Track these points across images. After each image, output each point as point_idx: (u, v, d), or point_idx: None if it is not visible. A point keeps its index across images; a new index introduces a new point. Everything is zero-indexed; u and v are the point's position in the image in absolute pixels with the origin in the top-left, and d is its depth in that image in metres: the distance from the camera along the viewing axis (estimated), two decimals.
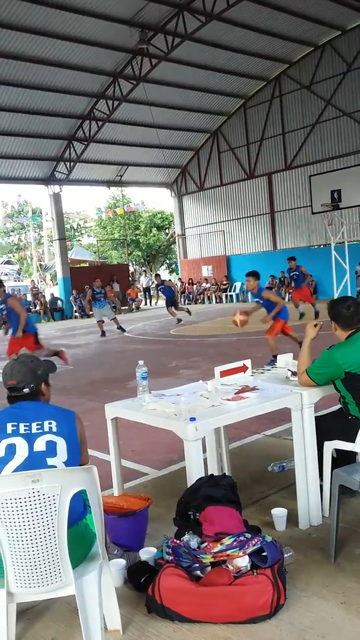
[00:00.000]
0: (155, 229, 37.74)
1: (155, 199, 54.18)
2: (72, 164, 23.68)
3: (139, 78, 19.84)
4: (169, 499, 3.68)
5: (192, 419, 2.95)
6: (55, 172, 24.21)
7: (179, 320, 16.89)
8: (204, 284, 27.07)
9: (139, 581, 2.73)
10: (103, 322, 15.53)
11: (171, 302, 17.45)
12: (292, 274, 15.04)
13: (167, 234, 38.41)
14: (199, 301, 26.63)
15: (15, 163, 23.04)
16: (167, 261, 40.73)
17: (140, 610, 2.59)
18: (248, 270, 8.48)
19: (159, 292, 19.79)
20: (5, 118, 20.49)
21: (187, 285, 27.77)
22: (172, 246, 36.57)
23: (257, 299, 8.51)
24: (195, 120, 25.01)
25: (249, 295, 14.87)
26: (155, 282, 20.42)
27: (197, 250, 28.51)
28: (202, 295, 26.79)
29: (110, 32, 17.84)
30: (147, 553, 2.91)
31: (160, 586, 2.47)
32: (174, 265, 38.23)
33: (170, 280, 20.58)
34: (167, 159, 25.49)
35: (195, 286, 27.40)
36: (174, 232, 31.61)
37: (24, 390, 2.58)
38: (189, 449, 2.93)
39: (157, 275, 20.37)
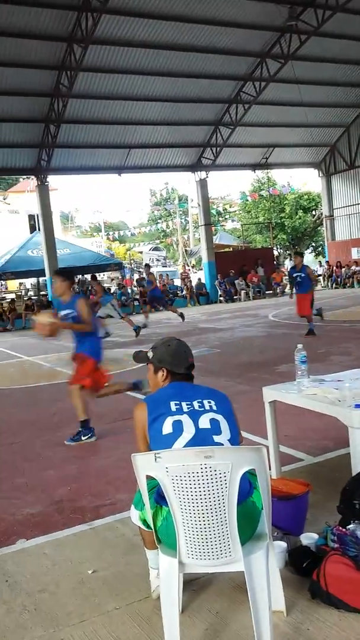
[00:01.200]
0: (301, 211, 36.75)
1: (301, 180, 52.78)
2: (218, 149, 23.84)
3: (287, 56, 19.35)
4: (326, 486, 3.61)
5: (358, 406, 2.85)
6: (201, 158, 24.55)
7: (182, 316, 15.83)
8: (353, 267, 25.92)
9: (301, 565, 2.72)
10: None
11: (153, 300, 15.91)
12: (295, 275, 11.28)
13: (314, 216, 37.24)
14: (348, 285, 25.58)
15: (163, 152, 23.73)
16: (313, 244, 39.55)
17: (303, 595, 2.58)
18: None
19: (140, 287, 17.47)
20: (154, 108, 21.15)
21: (334, 268, 26.79)
22: (319, 228, 35.39)
23: None
24: (346, 94, 23.86)
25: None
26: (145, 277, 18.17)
27: (347, 231, 27.33)
28: (351, 279, 25.69)
29: (258, 12, 17.59)
30: (308, 538, 2.88)
31: (325, 573, 2.43)
32: (320, 248, 37.04)
33: (152, 273, 17.74)
34: (315, 138, 24.68)
35: (343, 269, 26.33)
36: (322, 214, 30.59)
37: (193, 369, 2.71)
38: (355, 437, 2.83)
39: (147, 266, 18.92)
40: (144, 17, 16.68)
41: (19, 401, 7.95)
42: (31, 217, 33.28)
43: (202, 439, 2.37)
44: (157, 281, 26.71)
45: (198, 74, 19.96)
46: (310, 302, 11.23)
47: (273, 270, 27.18)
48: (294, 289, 11.90)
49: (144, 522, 2.46)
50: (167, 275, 29.81)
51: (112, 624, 2.54)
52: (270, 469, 3.63)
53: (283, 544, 2.85)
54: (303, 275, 11.17)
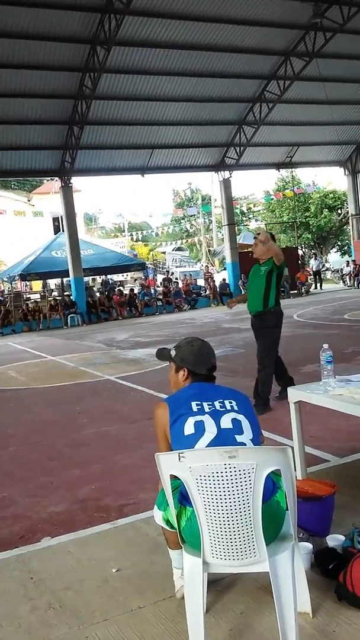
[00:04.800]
0: (326, 209, 36.38)
1: (326, 179, 52.29)
2: (242, 148, 23.74)
3: (312, 54, 19.17)
4: (353, 488, 3.56)
5: None
6: (225, 158, 24.47)
7: None
8: None
9: (328, 567, 2.68)
10: None
11: None
12: None
13: (340, 215, 36.84)
14: None
15: (186, 152, 23.72)
16: (339, 243, 39.12)
17: (329, 597, 2.54)
18: None
19: None
20: (177, 108, 21.16)
21: None
22: (345, 227, 35.00)
23: None
24: None
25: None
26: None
27: None
28: None
29: (282, 10, 17.48)
30: (334, 540, 2.84)
31: (353, 575, 2.40)
32: (346, 247, 36.62)
33: None
34: (341, 136, 24.40)
35: None
36: (347, 212, 30.24)
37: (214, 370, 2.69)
38: None
39: None
40: (166, 17, 16.70)
41: (44, 400, 8.02)
42: (55, 219, 33.60)
43: (224, 438, 2.36)
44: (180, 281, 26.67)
45: (221, 73, 19.91)
46: None
47: (298, 270, 26.95)
48: None
49: (167, 522, 2.45)
50: (191, 275, 29.80)
51: (136, 622, 2.54)
52: (295, 470, 3.61)
53: (309, 546, 2.82)
54: None
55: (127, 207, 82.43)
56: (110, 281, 30.55)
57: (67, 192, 22.18)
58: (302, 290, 25.44)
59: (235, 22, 17.46)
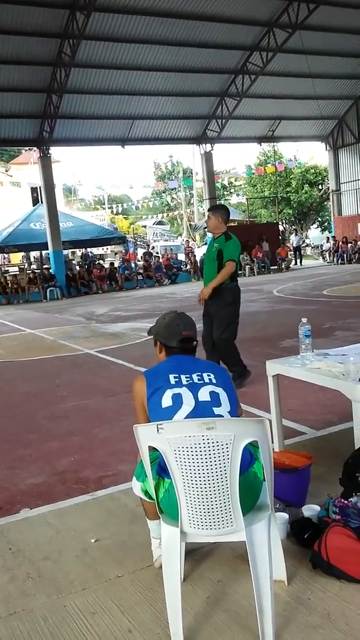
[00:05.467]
0: (307, 185, 36.31)
1: (308, 154, 52.10)
2: (223, 121, 23.48)
3: (296, 25, 18.91)
4: (330, 460, 3.61)
5: None
6: (206, 131, 24.20)
7: None
8: (359, 243, 25.72)
9: (303, 537, 2.73)
10: None
11: None
12: None
13: (320, 190, 36.83)
14: (354, 260, 25.42)
15: (167, 123, 23.40)
16: (320, 219, 39.19)
17: (304, 565, 2.60)
18: None
19: None
20: (158, 78, 20.79)
21: (340, 243, 26.58)
22: (326, 203, 35.05)
23: None
24: (355, 66, 23.40)
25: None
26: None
27: (353, 206, 27.07)
28: (357, 255, 25.52)
29: None
30: (310, 510, 2.89)
31: (327, 544, 2.44)
32: (326, 223, 36.71)
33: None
34: (323, 110, 24.25)
35: (349, 245, 26.13)
36: (328, 188, 30.25)
37: (194, 342, 2.66)
38: (358, 411, 2.82)
39: None
40: None
41: (23, 374, 7.97)
42: (34, 190, 33.03)
43: (202, 411, 2.37)
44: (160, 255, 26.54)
45: (203, 43, 19.54)
46: None
47: (278, 245, 26.97)
48: None
49: (146, 493, 2.47)
50: (171, 249, 29.64)
51: (114, 591, 2.57)
52: (273, 442, 3.65)
53: (285, 516, 2.86)
54: None
55: (108, 179, 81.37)
56: (90, 254, 30.28)
57: (46, 163, 21.77)
58: (283, 266, 25.52)
59: None
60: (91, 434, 4.92)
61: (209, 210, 6.14)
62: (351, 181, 26.91)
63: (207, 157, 25.12)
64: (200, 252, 28.52)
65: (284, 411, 4.06)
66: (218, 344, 5.85)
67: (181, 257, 28.50)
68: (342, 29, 20.44)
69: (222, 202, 40.29)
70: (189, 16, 17.99)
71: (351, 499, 2.59)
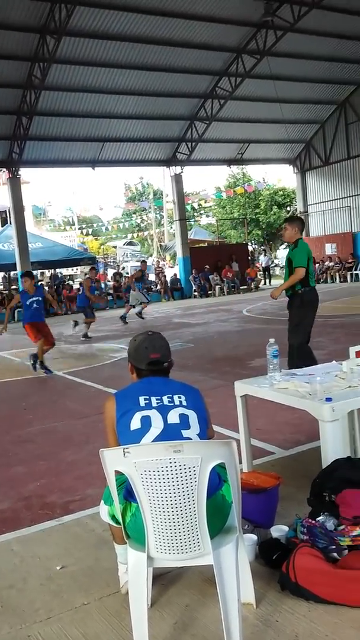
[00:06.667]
0: (275, 206, 36.98)
1: (276, 176, 53.07)
2: (193, 144, 23.79)
3: (263, 52, 19.37)
4: (298, 479, 3.62)
5: (329, 400, 2.86)
6: (176, 153, 24.47)
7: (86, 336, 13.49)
8: (327, 263, 26.20)
9: (271, 558, 2.72)
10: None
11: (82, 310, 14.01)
12: None
13: (289, 212, 37.50)
14: (322, 280, 25.82)
15: (138, 146, 23.58)
16: None
17: (272, 587, 2.58)
18: None
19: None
20: (129, 102, 21.00)
21: None
22: None
23: None
24: (322, 91, 24.03)
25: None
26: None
27: (321, 227, 27.59)
28: (324, 275, 25.97)
29: (235, 7, 17.59)
30: (278, 531, 2.88)
31: (295, 565, 2.44)
32: None
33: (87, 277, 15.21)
34: (291, 134, 24.80)
35: (317, 265, 26.56)
36: (296, 210, 30.81)
37: (164, 364, 2.63)
38: (325, 430, 2.84)
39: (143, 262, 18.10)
40: (118, 9, 16.49)
41: None
42: (2, 211, 32.79)
43: (170, 433, 2.34)
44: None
45: (174, 68, 19.86)
46: None
47: (248, 266, 27.28)
48: None
49: (113, 517, 2.43)
50: None
51: (80, 619, 2.51)
52: (241, 463, 3.64)
53: (253, 537, 2.85)
54: None
55: (78, 200, 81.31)
56: (60, 275, 30.10)
57: (15, 184, 21.67)
58: (252, 286, 25.80)
59: (187, 17, 17.42)
60: (58, 458, 4.84)
61: (285, 221, 6.50)
62: (318, 203, 27.46)
63: (177, 179, 25.38)
64: (171, 272, 28.71)
65: (253, 431, 4.08)
66: (289, 349, 6.00)
67: (152, 277, 28.57)
68: (309, 55, 21.02)
69: (192, 223, 40.74)
70: (159, 42, 18.27)
71: (319, 518, 2.60)
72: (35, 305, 8.96)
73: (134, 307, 16.03)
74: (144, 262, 19.11)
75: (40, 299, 9.05)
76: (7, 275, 26.65)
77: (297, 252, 5.96)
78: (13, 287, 23.82)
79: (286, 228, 6.21)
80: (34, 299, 8.94)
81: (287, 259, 6.14)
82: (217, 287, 25.17)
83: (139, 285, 16.07)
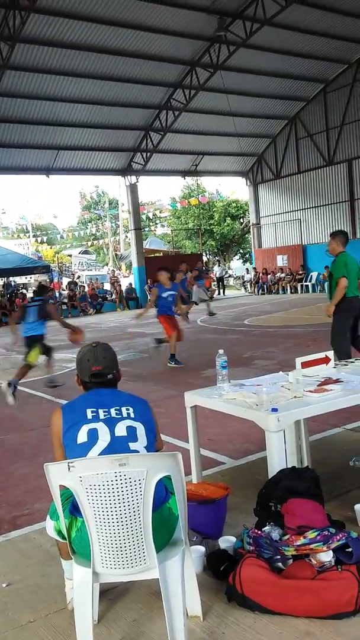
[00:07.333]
0: (229, 218, 37.46)
1: (230, 188, 53.84)
2: (148, 154, 23.90)
3: (217, 66, 19.70)
4: (247, 489, 3.66)
5: (274, 410, 2.91)
6: (132, 163, 24.52)
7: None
8: (278, 274, 26.67)
9: (219, 569, 2.73)
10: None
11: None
12: None
13: (242, 223, 38.06)
14: (274, 291, 26.28)
15: (93, 154, 23.53)
16: (241, 251, 40.40)
17: (219, 598, 2.60)
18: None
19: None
20: (84, 110, 20.95)
21: (261, 275, 27.45)
22: (247, 235, 36.17)
23: None
24: (273, 106, 24.57)
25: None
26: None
27: (272, 239, 28.09)
28: (276, 286, 26.43)
29: (189, 21, 17.82)
30: (226, 542, 2.90)
31: (241, 575, 2.46)
32: (247, 255, 37.86)
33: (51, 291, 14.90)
34: (243, 147, 25.21)
35: (269, 276, 27.04)
36: (249, 221, 31.29)
37: (108, 376, 2.61)
38: (271, 440, 2.89)
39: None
40: (73, 18, 16.47)
41: None
42: None
43: (117, 446, 2.33)
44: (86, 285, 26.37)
45: (128, 78, 19.94)
46: None
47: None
48: None
49: (59, 532, 2.40)
50: (97, 279, 29.51)
51: (25, 638, 2.46)
52: (191, 473, 3.66)
53: (201, 549, 2.86)
54: None
55: (32, 207, 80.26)
56: (13, 283, 29.58)
57: None
58: (207, 296, 25.95)
59: (142, 28, 17.55)
60: (6, 471, 4.74)
61: (330, 235, 6.62)
62: (270, 215, 27.98)
63: (133, 189, 25.41)
64: (126, 281, 28.64)
65: (204, 441, 4.10)
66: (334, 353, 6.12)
67: (107, 286, 28.43)
68: (261, 71, 21.50)
69: (147, 232, 40.77)
70: (114, 52, 18.32)
71: (264, 528, 2.63)
72: None
73: (196, 304, 16.21)
74: (200, 260, 19.46)
75: None
76: None
77: (336, 264, 6.25)
78: None
79: (330, 242, 6.46)
80: None
81: (329, 273, 6.44)
82: None
83: (200, 281, 16.68)
